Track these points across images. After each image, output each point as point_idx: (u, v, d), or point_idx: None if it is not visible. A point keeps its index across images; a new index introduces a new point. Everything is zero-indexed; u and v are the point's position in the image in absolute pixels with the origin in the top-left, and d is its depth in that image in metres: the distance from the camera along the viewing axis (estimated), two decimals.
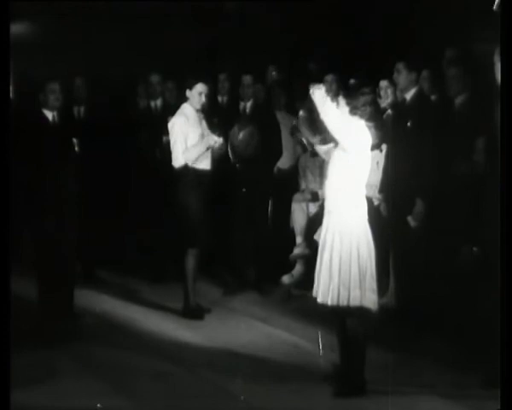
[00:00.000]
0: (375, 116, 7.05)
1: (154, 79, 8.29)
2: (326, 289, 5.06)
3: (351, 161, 5.08)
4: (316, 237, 7.55)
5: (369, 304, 5.08)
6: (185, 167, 6.77)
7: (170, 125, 6.88)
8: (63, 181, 6.58)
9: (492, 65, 5.30)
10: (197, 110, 6.82)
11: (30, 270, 6.78)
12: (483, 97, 6.11)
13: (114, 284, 7.98)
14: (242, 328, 6.68)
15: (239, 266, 7.75)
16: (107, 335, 6.46)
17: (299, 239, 7.80)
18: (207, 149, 6.78)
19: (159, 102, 8.29)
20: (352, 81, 5.30)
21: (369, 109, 5.19)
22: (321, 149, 5.63)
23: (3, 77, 4.90)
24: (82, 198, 6.82)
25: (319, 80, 8.11)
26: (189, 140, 6.74)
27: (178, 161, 6.76)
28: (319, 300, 5.13)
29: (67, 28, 9.83)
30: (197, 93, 6.78)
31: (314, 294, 5.18)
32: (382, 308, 6.59)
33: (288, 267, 7.82)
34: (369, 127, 7.02)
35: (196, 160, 6.74)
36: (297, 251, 7.77)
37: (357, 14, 9.02)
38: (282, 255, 7.83)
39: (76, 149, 6.87)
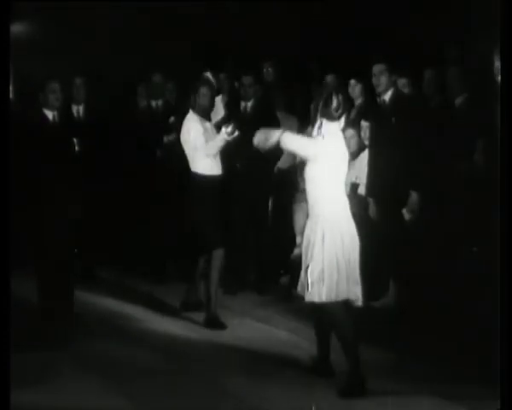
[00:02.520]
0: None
1: (157, 78, 8.27)
2: (316, 288, 5.11)
3: (326, 165, 5.16)
4: None
5: (353, 296, 5.18)
6: (198, 174, 6.73)
7: (185, 131, 6.78)
8: (63, 181, 6.57)
9: (492, 65, 5.30)
10: (201, 117, 6.77)
11: (30, 270, 6.77)
12: (483, 97, 6.12)
13: (114, 283, 7.97)
14: (242, 328, 6.68)
15: (239, 266, 7.73)
16: (107, 335, 6.46)
17: (299, 239, 7.77)
18: (224, 142, 6.65)
19: (160, 102, 8.27)
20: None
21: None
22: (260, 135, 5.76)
23: (3, 77, 4.90)
24: (82, 198, 6.81)
25: (319, 80, 8.20)
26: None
27: (197, 164, 6.73)
28: (308, 298, 5.18)
29: (67, 28, 9.83)
30: (199, 95, 6.76)
31: (300, 291, 5.26)
32: (382, 308, 6.65)
33: (289, 267, 7.81)
34: (368, 127, 7.05)
35: (216, 154, 6.71)
36: (297, 251, 7.75)
37: (357, 14, 9.03)
38: (283, 255, 7.83)
39: (76, 148, 6.85)
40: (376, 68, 6.60)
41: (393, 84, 6.64)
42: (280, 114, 8.05)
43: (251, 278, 7.76)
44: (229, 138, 6.58)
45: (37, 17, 9.96)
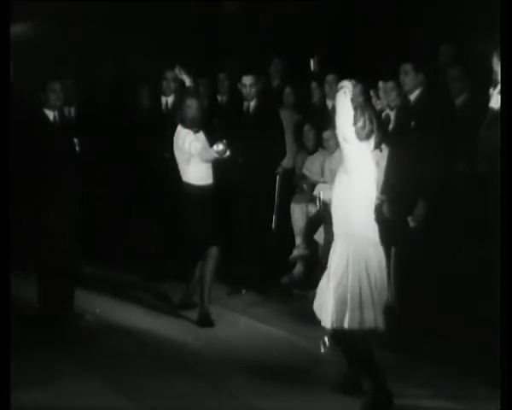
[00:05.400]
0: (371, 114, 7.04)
1: (169, 75, 8.18)
2: (341, 314, 4.91)
3: (355, 186, 4.97)
4: (316, 237, 7.56)
5: (380, 324, 4.96)
6: (189, 184, 6.70)
7: (178, 142, 6.71)
8: (64, 181, 6.57)
9: (492, 65, 5.31)
10: (191, 130, 6.69)
11: (30, 270, 6.78)
12: (483, 98, 6.12)
13: (114, 283, 7.96)
14: (242, 328, 6.68)
15: (240, 266, 7.72)
16: (107, 335, 6.46)
17: (298, 240, 7.78)
18: (212, 158, 6.57)
19: (170, 99, 8.21)
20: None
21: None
22: (321, 187, 5.68)
23: (3, 77, 4.91)
24: (83, 198, 6.81)
25: (319, 80, 8.20)
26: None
27: (190, 173, 6.69)
28: (331, 326, 4.97)
29: (67, 28, 9.83)
30: (186, 108, 6.70)
31: (323, 323, 5.04)
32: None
33: (289, 268, 7.81)
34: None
35: (211, 161, 6.65)
36: (296, 253, 7.75)
37: (357, 14, 9.03)
38: (283, 255, 7.83)
39: (77, 148, 6.85)
40: (403, 67, 6.56)
41: (421, 83, 6.58)
42: (282, 113, 8.05)
43: (251, 278, 7.75)
44: (219, 157, 6.47)
45: (37, 17, 9.96)
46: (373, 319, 4.92)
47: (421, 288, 6.30)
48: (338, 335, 5.05)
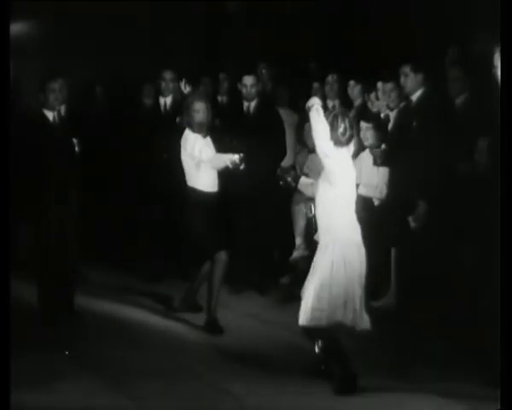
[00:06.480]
0: (370, 119, 7.07)
1: (167, 75, 8.16)
2: (319, 313, 5.11)
3: (338, 193, 5.15)
4: (316, 237, 7.55)
5: (347, 322, 5.13)
6: (195, 189, 6.61)
7: (187, 147, 6.58)
8: (64, 181, 6.57)
9: (492, 65, 5.31)
10: (199, 134, 6.59)
11: (30, 270, 6.77)
12: (483, 98, 6.12)
13: (114, 283, 7.96)
14: (242, 328, 6.68)
15: (241, 267, 7.71)
16: (106, 335, 6.46)
17: (298, 241, 7.78)
18: (224, 165, 6.41)
19: (168, 100, 8.18)
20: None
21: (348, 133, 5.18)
22: (304, 181, 5.78)
23: (3, 77, 4.91)
24: (83, 198, 6.81)
25: (320, 79, 8.21)
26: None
27: (197, 179, 6.60)
28: (306, 323, 5.17)
29: (68, 28, 9.84)
30: (194, 112, 6.59)
31: (301, 322, 5.21)
32: (382, 308, 6.65)
33: (288, 268, 7.81)
34: (368, 128, 7.07)
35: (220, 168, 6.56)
36: (296, 254, 7.74)
37: (357, 14, 9.04)
38: (283, 256, 7.83)
39: (76, 148, 6.85)
40: (403, 69, 6.57)
41: (421, 84, 6.59)
42: (282, 112, 8.05)
43: (252, 278, 7.74)
44: (231, 167, 6.32)
45: (37, 17, 9.96)
46: (352, 317, 5.11)
47: (421, 288, 6.31)
48: (311, 332, 5.24)
